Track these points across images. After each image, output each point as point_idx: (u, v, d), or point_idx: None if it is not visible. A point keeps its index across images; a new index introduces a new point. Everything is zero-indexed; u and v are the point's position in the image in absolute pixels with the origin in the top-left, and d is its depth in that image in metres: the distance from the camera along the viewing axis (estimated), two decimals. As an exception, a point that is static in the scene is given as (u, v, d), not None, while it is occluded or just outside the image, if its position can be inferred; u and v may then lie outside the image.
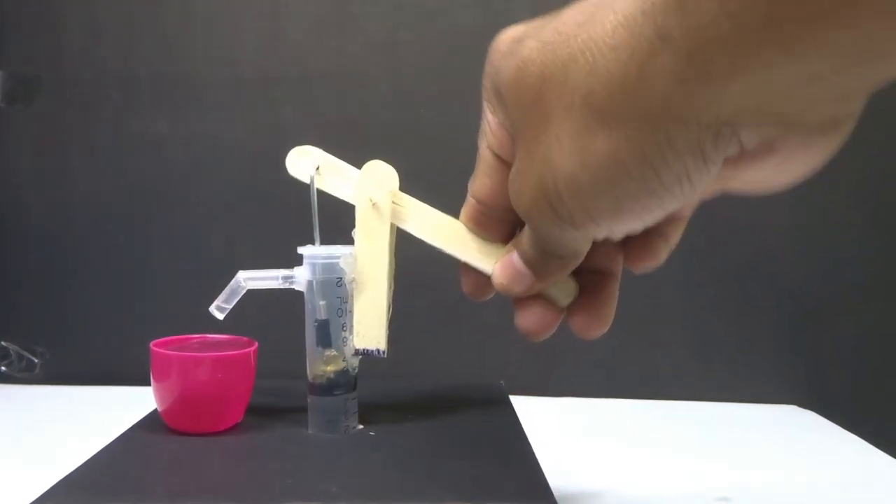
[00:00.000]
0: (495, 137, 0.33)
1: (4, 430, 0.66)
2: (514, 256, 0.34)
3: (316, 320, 0.42)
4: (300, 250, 0.44)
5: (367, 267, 0.40)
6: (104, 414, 0.70)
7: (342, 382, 0.43)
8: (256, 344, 0.46)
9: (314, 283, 0.43)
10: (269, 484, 0.36)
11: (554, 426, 0.68)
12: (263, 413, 0.46)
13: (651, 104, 0.23)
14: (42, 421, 0.69)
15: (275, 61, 0.79)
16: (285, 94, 0.79)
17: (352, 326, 0.42)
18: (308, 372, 0.43)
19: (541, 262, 0.33)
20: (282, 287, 0.44)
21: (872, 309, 0.79)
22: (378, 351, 0.41)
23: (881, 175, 0.78)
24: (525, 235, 0.33)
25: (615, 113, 0.24)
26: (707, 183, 0.25)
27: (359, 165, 0.44)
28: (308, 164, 0.43)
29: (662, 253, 0.36)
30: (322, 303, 0.42)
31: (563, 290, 0.36)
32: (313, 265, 0.43)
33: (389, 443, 0.42)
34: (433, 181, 0.79)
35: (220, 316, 0.44)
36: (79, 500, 0.34)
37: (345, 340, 0.42)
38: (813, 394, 0.79)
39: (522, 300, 0.36)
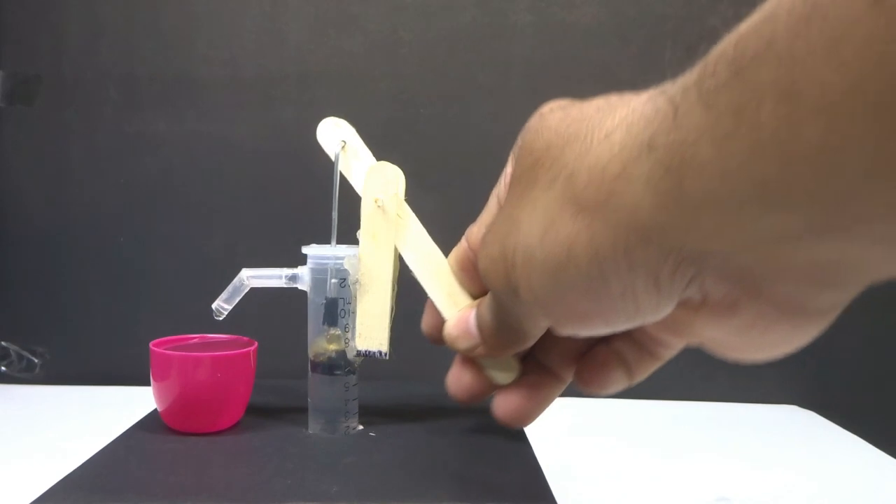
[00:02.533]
0: (504, 189, 0.32)
1: (4, 430, 0.66)
2: (471, 314, 0.33)
3: (325, 297, 0.42)
4: (305, 250, 0.44)
5: (372, 268, 0.40)
6: (104, 414, 0.70)
7: (343, 364, 0.43)
8: (256, 344, 0.46)
9: (314, 280, 0.43)
10: (268, 484, 0.36)
11: (553, 426, 0.68)
12: (263, 413, 0.46)
13: (621, 206, 0.22)
14: (42, 421, 0.69)
15: (275, 61, 0.79)
16: (285, 94, 0.79)
17: (354, 327, 0.42)
18: (309, 351, 0.43)
19: (491, 329, 0.32)
20: (285, 286, 0.44)
21: (874, 309, 0.79)
22: (380, 353, 0.41)
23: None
24: (487, 299, 0.32)
25: (588, 202, 0.23)
26: (657, 313, 0.24)
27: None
28: (336, 137, 0.42)
29: (616, 383, 0.33)
30: (333, 280, 0.42)
31: (504, 369, 0.35)
32: (317, 265, 0.43)
33: (389, 443, 0.42)
34: (433, 181, 0.79)
35: (223, 315, 0.44)
36: (78, 500, 0.34)
37: (346, 342, 0.43)
38: (813, 394, 0.78)
39: (463, 359, 0.35)
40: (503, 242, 0.26)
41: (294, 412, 0.46)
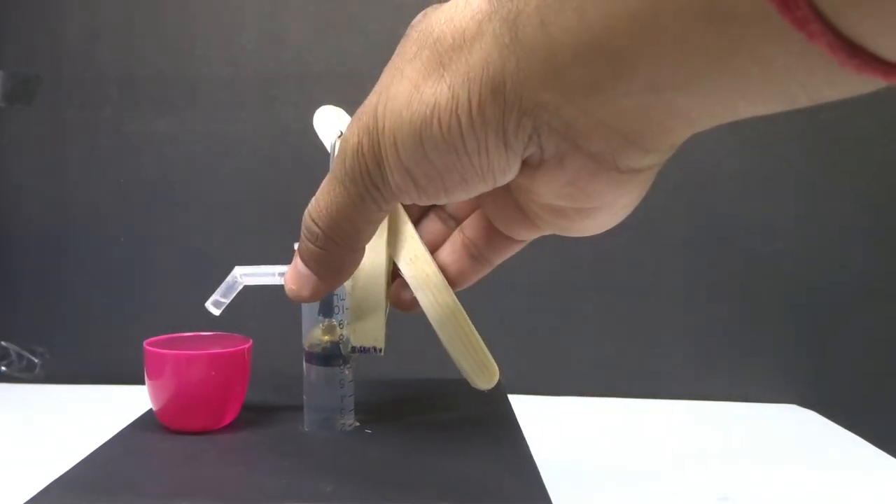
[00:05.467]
0: None
1: (4, 430, 0.66)
2: (295, 260, 0.35)
3: None
4: (297, 245, 0.44)
5: (365, 263, 0.40)
6: (104, 414, 0.70)
7: (338, 353, 0.42)
8: (251, 342, 0.46)
9: None
10: (264, 483, 0.36)
11: (552, 426, 0.68)
12: (259, 411, 0.46)
13: (476, 62, 0.24)
14: (42, 421, 0.69)
15: (275, 61, 0.79)
16: (285, 94, 0.79)
17: (349, 324, 0.41)
18: (304, 341, 0.43)
19: (316, 251, 0.33)
20: (279, 284, 0.44)
21: (874, 309, 0.78)
22: (375, 349, 0.41)
23: (884, 175, 0.78)
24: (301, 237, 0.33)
25: (450, 62, 0.25)
26: (506, 173, 0.27)
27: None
28: (334, 126, 0.42)
29: (472, 273, 0.38)
30: None
31: (483, 370, 0.36)
32: None
33: (386, 441, 0.42)
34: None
35: (217, 312, 0.44)
36: (72, 500, 0.34)
37: (341, 335, 0.42)
38: (813, 394, 0.78)
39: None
40: (374, 111, 0.28)
41: (290, 410, 0.46)
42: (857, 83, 0.20)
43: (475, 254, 0.37)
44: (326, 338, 0.42)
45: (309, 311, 0.43)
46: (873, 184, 0.78)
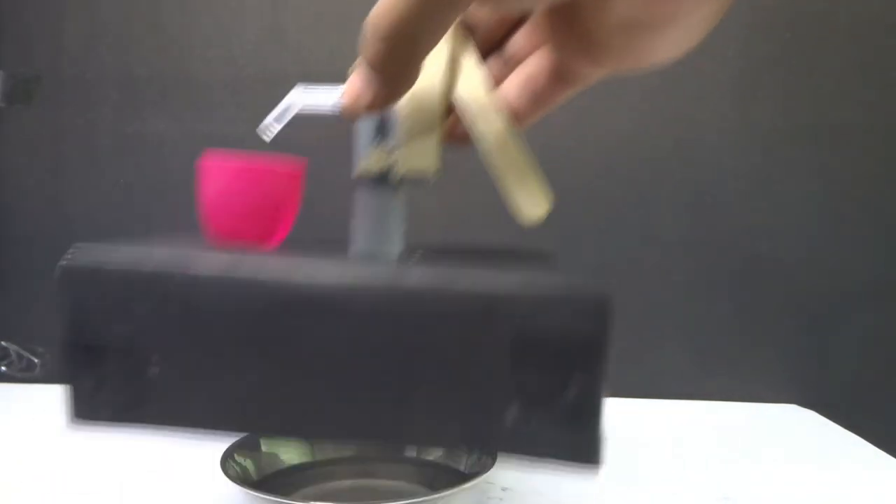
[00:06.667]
0: None
1: (4, 430, 0.66)
2: (355, 75, 0.32)
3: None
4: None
5: (419, 87, 0.34)
6: (104, 414, 0.70)
7: (388, 180, 0.40)
8: (306, 162, 0.43)
9: None
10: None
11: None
12: (306, 237, 0.43)
13: None
14: (42, 421, 0.69)
15: (275, 61, 0.79)
16: (285, 94, 0.79)
17: (400, 150, 0.39)
18: (356, 169, 0.40)
19: (384, 48, 0.30)
20: (334, 113, 0.41)
21: (874, 309, 0.78)
22: (427, 174, 0.38)
23: (886, 175, 0.78)
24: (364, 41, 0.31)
25: None
26: None
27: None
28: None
29: (531, 112, 0.36)
30: None
31: (536, 193, 0.34)
32: None
33: (433, 268, 0.38)
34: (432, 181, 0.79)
35: (272, 135, 0.41)
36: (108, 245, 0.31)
37: (393, 160, 0.39)
38: (813, 394, 0.78)
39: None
40: None
41: (336, 242, 0.43)
42: None
43: (536, 91, 0.36)
44: (377, 165, 0.39)
45: (360, 139, 0.40)
46: (877, 184, 0.78)
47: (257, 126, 0.88)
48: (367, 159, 0.40)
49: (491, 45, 0.39)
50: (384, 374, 0.29)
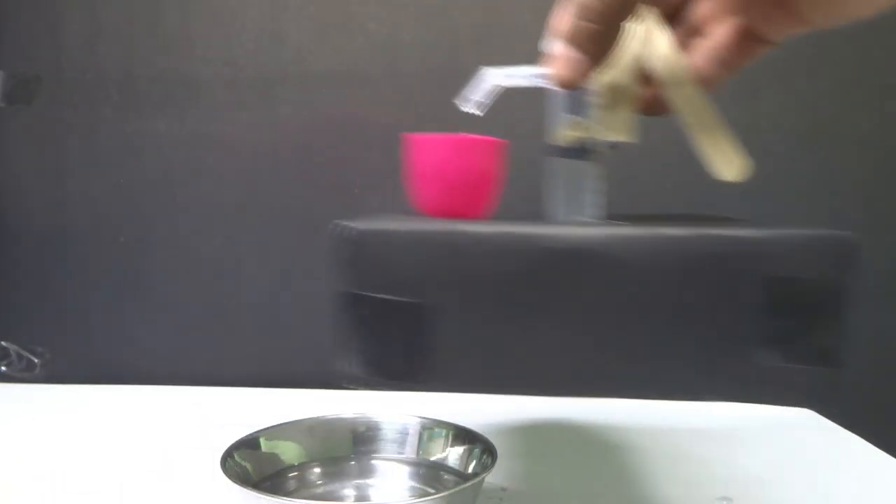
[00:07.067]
0: None
1: (4, 430, 0.66)
2: (561, 46, 0.35)
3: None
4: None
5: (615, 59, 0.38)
6: (104, 414, 0.70)
7: (586, 147, 0.41)
8: (507, 141, 0.45)
9: None
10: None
11: (554, 426, 0.68)
12: (508, 206, 0.44)
13: None
14: (42, 421, 0.69)
15: (275, 61, 0.79)
16: (285, 94, 0.79)
17: (598, 118, 0.40)
18: (553, 137, 0.42)
19: (588, 26, 0.33)
20: (531, 84, 0.42)
21: (876, 309, 0.78)
22: (624, 141, 0.40)
23: (886, 175, 0.78)
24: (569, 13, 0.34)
25: None
26: None
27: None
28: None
29: (718, 77, 0.38)
30: None
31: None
32: None
33: (631, 233, 0.38)
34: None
35: (480, 112, 0.43)
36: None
37: (591, 131, 0.41)
38: (817, 395, 0.78)
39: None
40: None
41: (538, 204, 0.44)
42: None
43: (724, 58, 0.38)
44: (574, 133, 0.41)
45: (556, 108, 0.41)
46: (879, 185, 0.78)
47: (257, 126, 0.88)
48: (565, 129, 0.41)
49: (672, 15, 0.40)
50: (650, 326, 0.32)
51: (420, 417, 0.53)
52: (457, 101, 0.42)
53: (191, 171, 0.80)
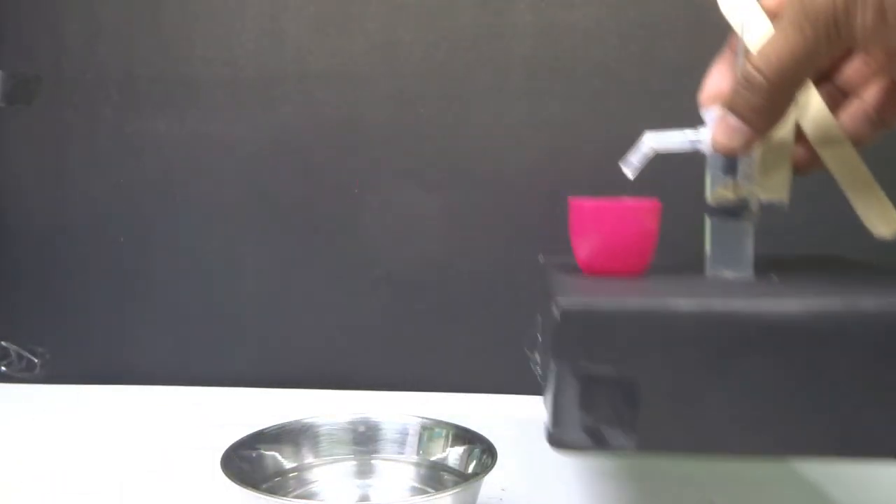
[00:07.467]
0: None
1: (4, 430, 0.66)
2: (727, 115, 0.36)
3: None
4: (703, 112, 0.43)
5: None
6: (104, 414, 0.70)
7: (741, 208, 0.43)
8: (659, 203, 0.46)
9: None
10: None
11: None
12: (665, 263, 0.46)
13: None
14: (42, 421, 0.69)
15: (275, 61, 0.79)
16: (285, 94, 0.79)
17: (753, 175, 0.41)
18: (708, 197, 0.44)
19: (755, 101, 0.34)
20: (690, 149, 0.44)
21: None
22: (780, 202, 0.42)
23: (886, 175, 0.78)
24: (734, 85, 0.35)
25: None
26: None
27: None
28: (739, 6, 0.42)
29: (868, 137, 0.41)
30: None
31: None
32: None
33: (790, 291, 0.38)
34: (433, 181, 0.79)
35: (631, 175, 0.45)
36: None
37: (745, 191, 0.42)
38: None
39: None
40: None
41: (692, 265, 0.46)
42: None
43: (873, 118, 0.40)
44: (731, 194, 0.43)
45: (713, 169, 0.43)
46: (883, 185, 0.78)
47: (257, 126, 0.88)
48: (722, 189, 0.43)
49: (823, 76, 0.42)
50: (839, 392, 0.33)
51: (420, 417, 0.53)
52: (621, 164, 0.44)
53: (191, 171, 0.80)
